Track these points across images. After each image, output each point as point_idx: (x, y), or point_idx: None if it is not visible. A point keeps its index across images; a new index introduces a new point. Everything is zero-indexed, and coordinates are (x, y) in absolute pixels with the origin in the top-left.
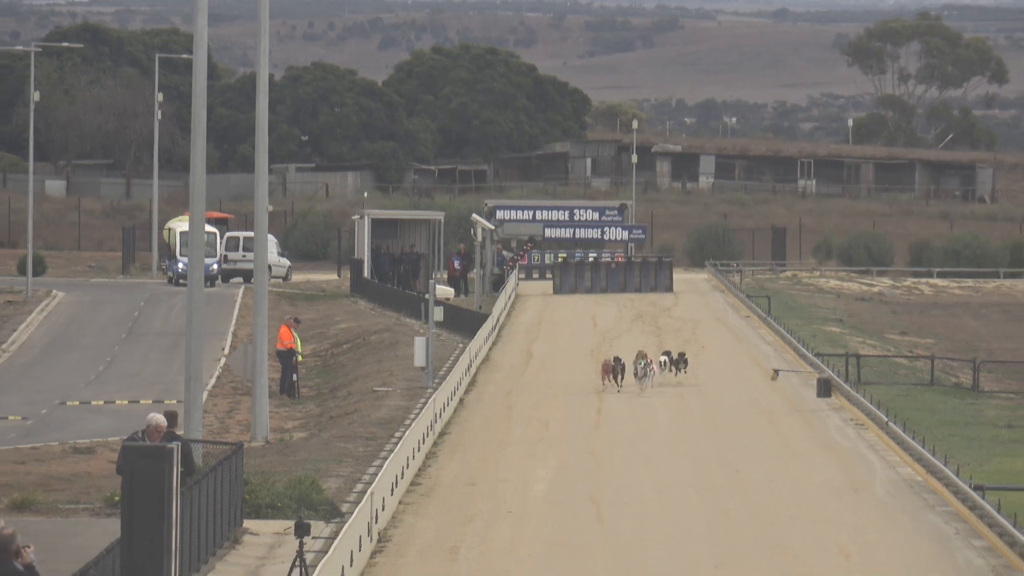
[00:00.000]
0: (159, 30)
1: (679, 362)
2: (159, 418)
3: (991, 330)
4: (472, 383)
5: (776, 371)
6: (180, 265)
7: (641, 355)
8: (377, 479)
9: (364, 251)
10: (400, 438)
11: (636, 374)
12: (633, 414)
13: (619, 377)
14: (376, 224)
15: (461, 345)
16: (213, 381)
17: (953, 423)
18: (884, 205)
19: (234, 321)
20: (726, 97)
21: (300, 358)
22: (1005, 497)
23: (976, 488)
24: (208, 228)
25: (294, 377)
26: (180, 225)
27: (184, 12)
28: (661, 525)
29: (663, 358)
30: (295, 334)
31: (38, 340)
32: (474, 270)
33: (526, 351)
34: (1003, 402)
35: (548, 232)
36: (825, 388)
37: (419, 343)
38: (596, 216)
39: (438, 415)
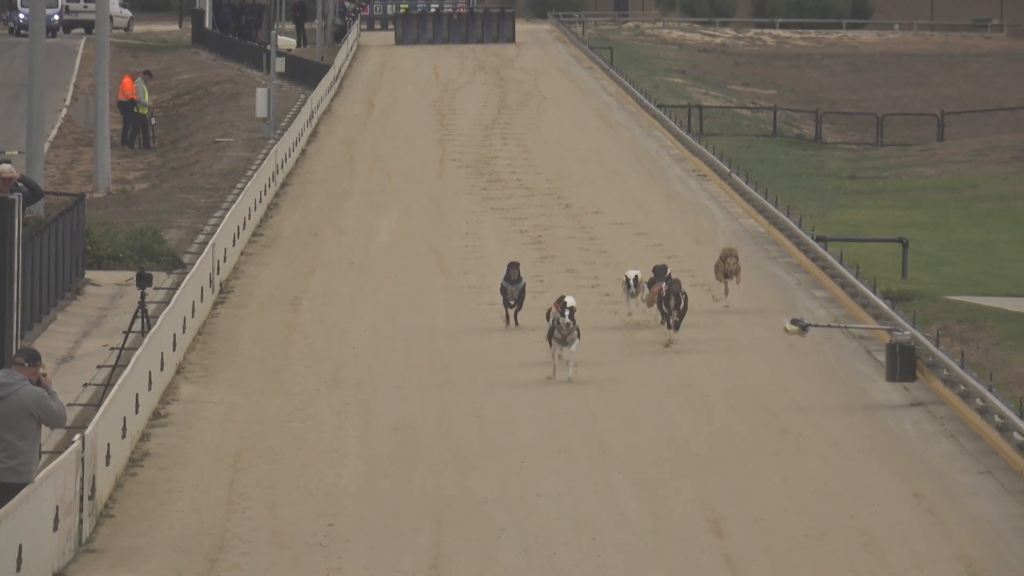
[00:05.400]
0: None
1: (670, 298)
2: (7, 168)
3: (833, 81)
4: (314, 134)
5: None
6: (21, 16)
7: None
8: (219, 230)
9: (205, 2)
10: (242, 189)
11: (553, 335)
12: (477, 158)
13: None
14: None
15: (303, 96)
16: (55, 132)
17: (795, 174)
18: None
19: (76, 72)
20: None
21: (144, 110)
22: (847, 248)
23: (818, 239)
24: None
25: (152, 121)
26: None
27: None
28: (501, 272)
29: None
30: (143, 86)
31: None
32: (315, 21)
33: (368, 102)
34: (845, 153)
35: None
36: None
37: (260, 94)
38: None
39: (280, 166)
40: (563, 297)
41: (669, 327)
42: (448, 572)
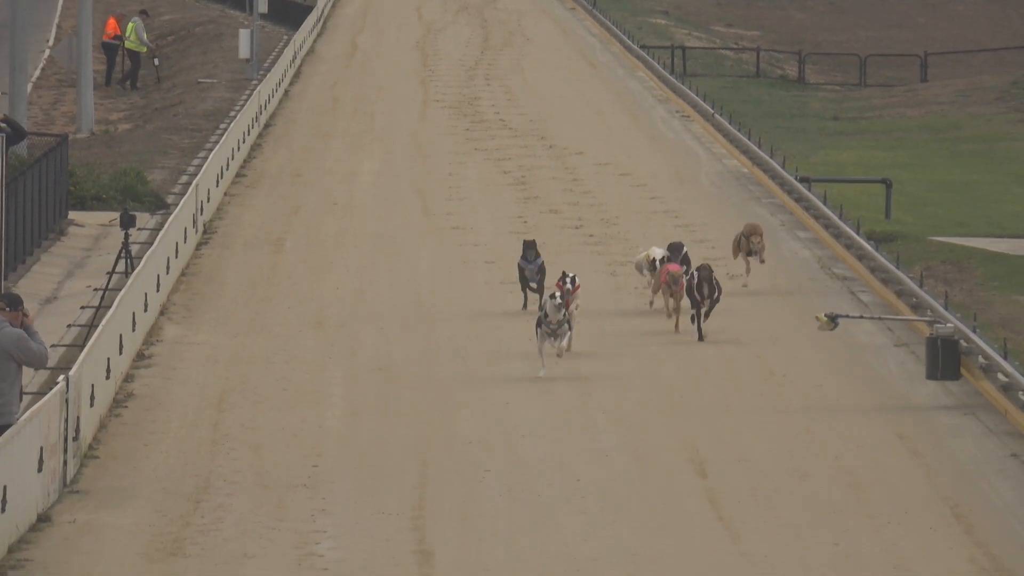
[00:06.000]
0: None
1: (703, 286)
2: None
3: (816, 22)
4: (297, 75)
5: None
6: None
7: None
8: (202, 171)
9: None
10: (225, 130)
11: (541, 324)
12: (460, 99)
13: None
14: None
15: (286, 37)
16: (38, 73)
17: (779, 115)
18: None
19: (58, 13)
20: None
21: (144, 49)
22: (830, 188)
23: (802, 180)
24: None
25: (156, 62)
26: None
27: None
28: (484, 213)
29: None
30: (141, 24)
31: None
32: None
33: (351, 43)
34: (828, 94)
35: None
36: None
37: (244, 35)
38: None
39: (263, 107)
40: (565, 275)
41: (698, 318)
42: (432, 513)
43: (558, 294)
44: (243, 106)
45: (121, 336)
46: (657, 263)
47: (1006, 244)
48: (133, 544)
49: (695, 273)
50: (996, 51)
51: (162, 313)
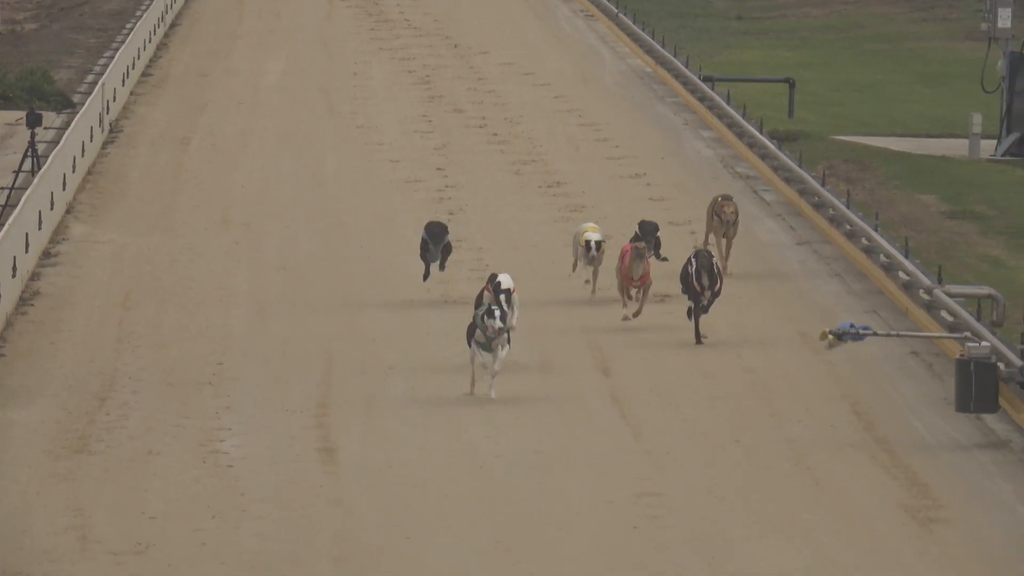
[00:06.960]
0: None
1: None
2: None
3: None
4: None
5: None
6: None
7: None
8: (108, 70)
9: None
10: (131, 29)
11: (474, 335)
12: (366, 11)
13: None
14: None
15: None
16: None
17: (683, 15)
18: None
19: None
20: None
21: None
22: (734, 88)
23: (705, 79)
24: None
25: None
26: None
27: None
28: (388, 113)
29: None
30: None
31: None
32: None
33: None
34: None
35: None
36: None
37: None
38: None
39: (169, 7)
40: (496, 277)
41: (696, 313)
42: (336, 409)
43: (497, 313)
44: (149, 6)
45: (27, 234)
46: (593, 247)
47: (908, 143)
48: (39, 441)
49: (692, 260)
50: None
51: (68, 212)
